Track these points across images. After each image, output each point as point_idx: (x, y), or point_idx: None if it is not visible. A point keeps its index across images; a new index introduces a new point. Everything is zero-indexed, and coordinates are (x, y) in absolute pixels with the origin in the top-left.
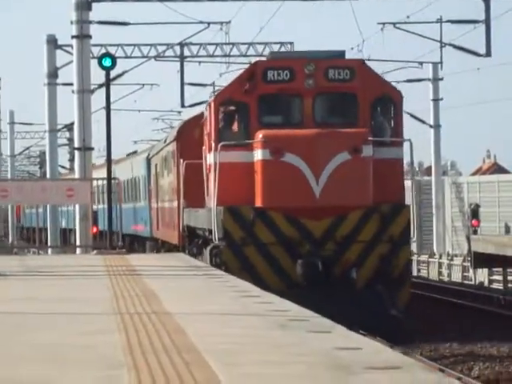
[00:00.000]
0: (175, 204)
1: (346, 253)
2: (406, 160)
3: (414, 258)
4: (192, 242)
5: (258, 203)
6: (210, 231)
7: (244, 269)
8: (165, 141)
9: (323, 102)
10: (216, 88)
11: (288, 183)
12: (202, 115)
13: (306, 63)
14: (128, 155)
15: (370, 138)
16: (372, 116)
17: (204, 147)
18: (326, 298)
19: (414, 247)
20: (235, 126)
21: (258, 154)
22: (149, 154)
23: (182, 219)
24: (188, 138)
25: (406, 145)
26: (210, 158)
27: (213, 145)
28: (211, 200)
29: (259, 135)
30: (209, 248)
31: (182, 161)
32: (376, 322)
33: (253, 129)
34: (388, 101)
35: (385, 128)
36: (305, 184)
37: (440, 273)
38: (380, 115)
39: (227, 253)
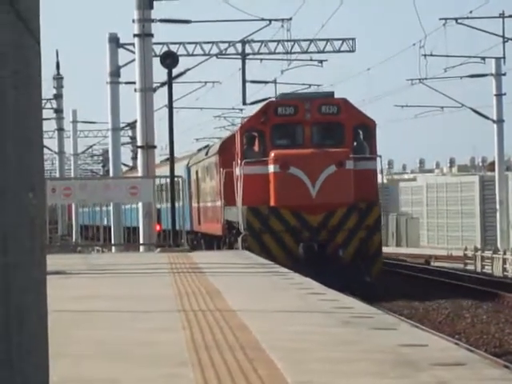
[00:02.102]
0: (218, 203)
1: (335, 238)
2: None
3: (478, 253)
4: (230, 232)
5: (272, 203)
6: (239, 223)
7: (262, 250)
8: (206, 153)
9: (318, 129)
10: (277, 86)
11: (292, 188)
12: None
13: (305, 102)
14: (161, 162)
15: (351, 156)
16: (354, 138)
17: (234, 162)
18: (321, 270)
19: (477, 242)
20: (256, 147)
21: (271, 168)
22: (188, 163)
23: (224, 215)
24: (227, 152)
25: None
26: (237, 171)
27: (239, 161)
28: (239, 201)
29: (271, 154)
30: (240, 236)
31: (222, 169)
32: (356, 286)
33: (268, 149)
34: (365, 127)
35: (364, 147)
36: (304, 189)
37: (504, 269)
38: (360, 138)
39: (250, 239)
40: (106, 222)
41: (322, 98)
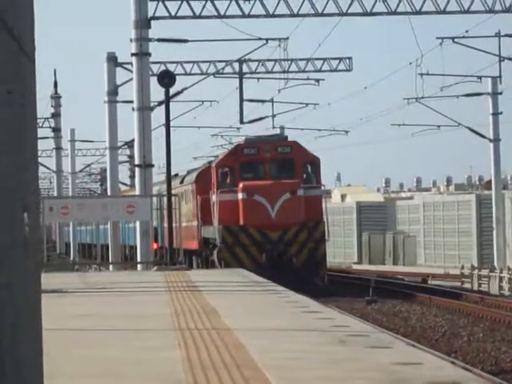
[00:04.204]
0: (195, 223)
1: (290, 249)
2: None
3: (475, 272)
4: (206, 247)
5: (241, 222)
6: (215, 239)
7: (233, 259)
8: (181, 181)
9: (275, 165)
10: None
11: (257, 211)
12: (209, 168)
13: (265, 144)
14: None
15: (301, 185)
16: (304, 172)
17: (211, 190)
18: (279, 274)
19: (474, 260)
20: (228, 180)
21: (240, 196)
22: (160, 188)
23: (201, 233)
24: (201, 181)
25: None
26: (213, 198)
27: (215, 190)
28: (215, 221)
29: (240, 185)
30: (216, 249)
31: (198, 196)
32: (307, 286)
33: (237, 181)
34: (312, 163)
35: (311, 178)
36: (266, 211)
37: (501, 287)
38: (308, 171)
39: (225, 250)
40: (103, 241)
41: (279, 141)
